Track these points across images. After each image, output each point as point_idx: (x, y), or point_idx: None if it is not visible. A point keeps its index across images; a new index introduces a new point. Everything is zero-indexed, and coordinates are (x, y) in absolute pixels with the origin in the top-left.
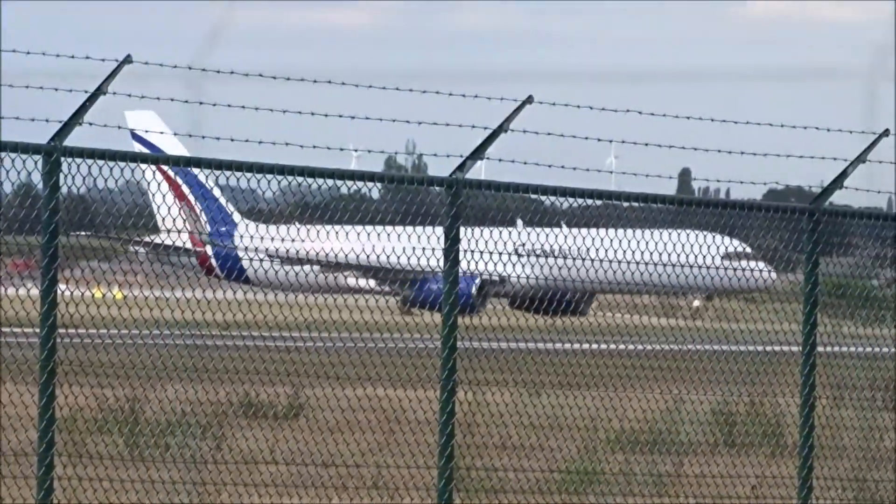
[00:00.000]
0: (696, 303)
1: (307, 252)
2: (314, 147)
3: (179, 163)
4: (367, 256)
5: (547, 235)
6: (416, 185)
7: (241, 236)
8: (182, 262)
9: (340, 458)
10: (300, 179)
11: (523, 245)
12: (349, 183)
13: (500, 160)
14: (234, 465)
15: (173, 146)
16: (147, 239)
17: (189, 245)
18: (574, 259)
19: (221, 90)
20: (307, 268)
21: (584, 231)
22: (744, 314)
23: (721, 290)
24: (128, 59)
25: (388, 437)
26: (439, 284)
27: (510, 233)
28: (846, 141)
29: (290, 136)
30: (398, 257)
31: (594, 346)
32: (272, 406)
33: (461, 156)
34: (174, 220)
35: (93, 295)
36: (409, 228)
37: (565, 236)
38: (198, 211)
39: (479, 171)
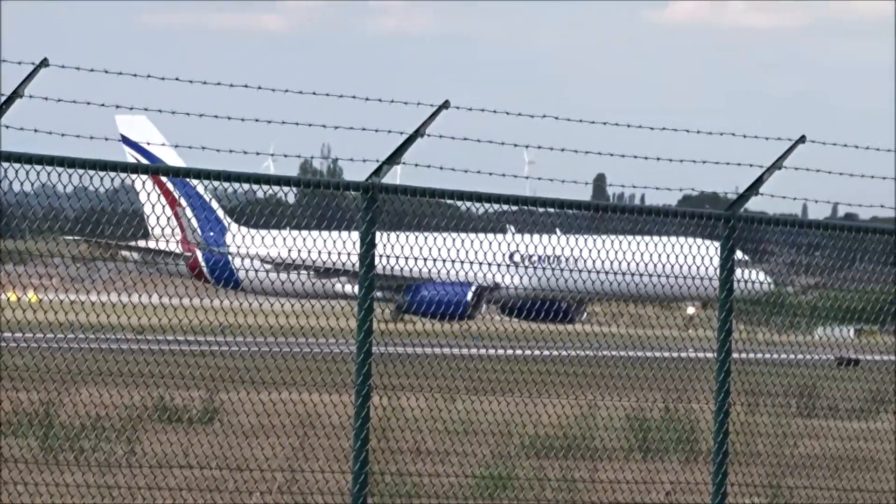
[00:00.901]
0: (690, 310)
1: (301, 258)
2: (230, 151)
3: (85, 166)
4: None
5: (541, 242)
6: (331, 190)
7: (234, 239)
8: (171, 267)
9: (255, 463)
10: (216, 183)
11: (517, 252)
12: (265, 187)
13: (416, 165)
14: (149, 469)
15: (164, 150)
16: (137, 244)
17: (179, 250)
18: (568, 267)
19: (138, 94)
20: (301, 274)
21: (579, 238)
22: (658, 320)
23: (716, 298)
24: (44, 63)
25: (302, 442)
26: (434, 291)
27: (505, 240)
28: (762, 147)
29: (207, 140)
30: (392, 265)
31: (508, 351)
32: (187, 410)
33: (377, 160)
34: (163, 227)
35: (7, 298)
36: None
37: (559, 244)
38: (188, 216)
39: (395, 175)
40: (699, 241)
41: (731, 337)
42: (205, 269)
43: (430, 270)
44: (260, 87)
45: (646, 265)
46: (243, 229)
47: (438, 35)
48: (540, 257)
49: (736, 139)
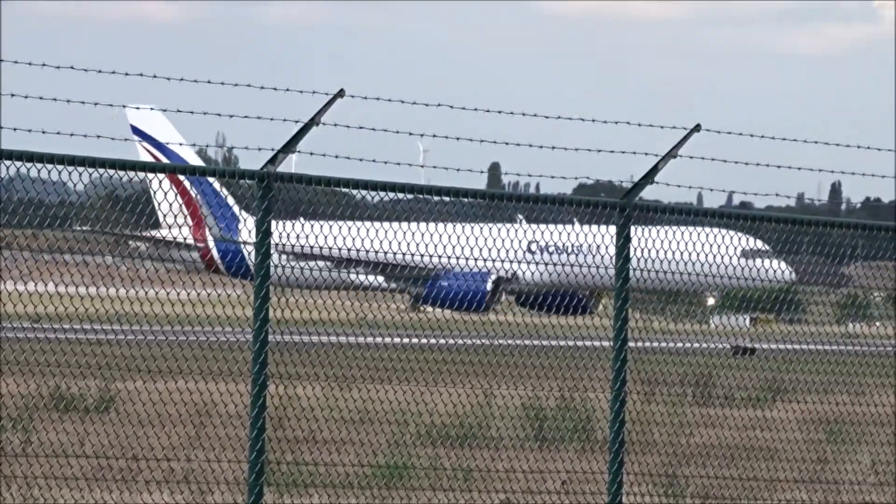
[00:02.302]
0: (711, 301)
1: (318, 248)
2: (125, 140)
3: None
4: (377, 253)
5: (560, 233)
6: (227, 178)
7: (247, 230)
8: (183, 257)
9: (151, 452)
10: (111, 172)
11: (536, 241)
12: (160, 176)
13: (311, 153)
14: (45, 459)
15: (172, 138)
16: (148, 234)
17: (191, 241)
18: (586, 256)
19: (32, 81)
20: (319, 264)
21: (596, 228)
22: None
23: (738, 288)
24: None
25: (198, 431)
26: (452, 282)
27: (524, 230)
28: (657, 136)
29: (102, 129)
30: (411, 254)
31: (404, 339)
32: (82, 399)
33: (273, 149)
34: (175, 216)
35: None
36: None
37: (577, 234)
38: (201, 207)
39: (290, 164)
40: (716, 230)
41: (627, 326)
42: (217, 260)
43: (448, 260)
44: (155, 76)
45: (665, 255)
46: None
47: (335, 24)
48: (558, 247)
49: (631, 128)
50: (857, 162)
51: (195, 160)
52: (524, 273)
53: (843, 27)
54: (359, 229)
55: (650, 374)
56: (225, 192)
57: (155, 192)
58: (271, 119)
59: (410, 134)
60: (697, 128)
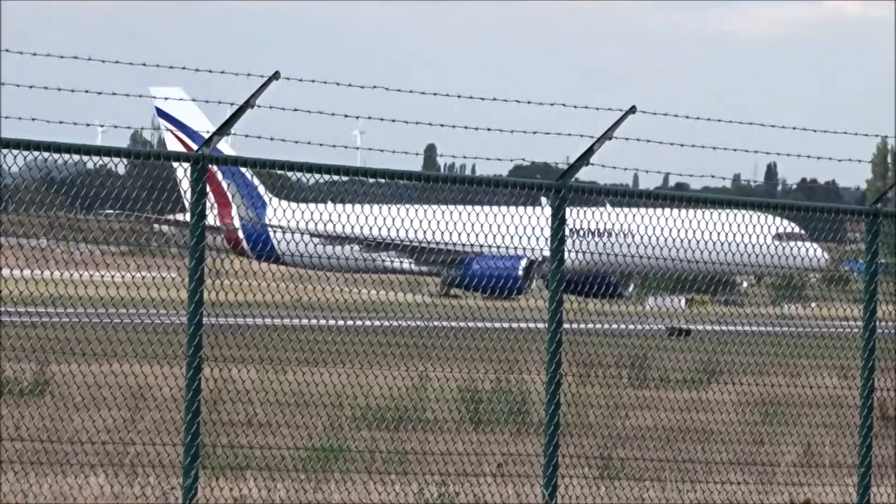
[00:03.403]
0: (745, 284)
1: (348, 231)
2: (60, 122)
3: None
4: (407, 235)
5: (592, 214)
6: (162, 161)
7: (275, 213)
8: (214, 242)
9: (87, 436)
10: (46, 154)
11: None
12: (95, 158)
13: (246, 136)
14: None
15: (198, 121)
16: (174, 218)
17: (217, 224)
18: (621, 238)
19: None
20: (346, 248)
21: (630, 210)
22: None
23: (772, 270)
24: None
25: (134, 415)
26: (484, 265)
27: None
28: (594, 118)
29: (36, 111)
30: (440, 236)
31: (340, 322)
32: (17, 382)
33: (207, 131)
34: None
35: None
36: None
37: (610, 218)
38: (228, 191)
39: (226, 146)
40: (750, 213)
41: (562, 307)
42: (244, 243)
43: (480, 244)
44: (90, 59)
45: (697, 240)
46: (283, 203)
47: (271, 6)
48: (590, 231)
49: (567, 109)
50: (792, 143)
51: (227, 149)
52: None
53: (780, 8)
54: (389, 210)
55: (585, 356)
56: (250, 175)
57: (181, 179)
58: (206, 101)
59: (346, 116)
60: (633, 109)
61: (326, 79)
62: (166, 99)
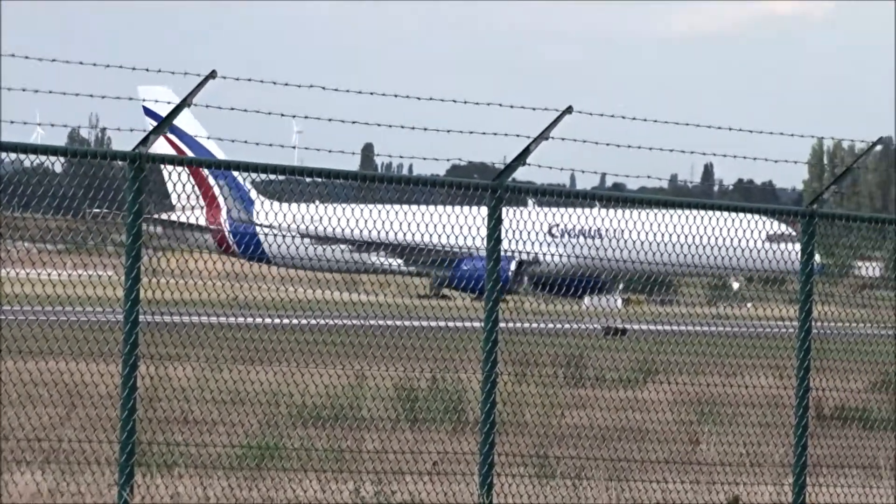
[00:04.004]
0: (735, 285)
1: (338, 231)
2: None
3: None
4: (397, 236)
5: (580, 216)
6: (98, 159)
7: (261, 212)
8: (202, 240)
9: (22, 432)
10: None
11: (557, 225)
12: (32, 157)
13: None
14: None
15: (186, 121)
16: (162, 217)
17: (204, 223)
18: (609, 240)
19: None
20: (333, 246)
21: (619, 212)
22: (425, 289)
23: (763, 272)
24: None
25: (69, 412)
26: (475, 264)
27: (544, 213)
28: (530, 118)
29: None
30: (431, 237)
31: (276, 320)
32: None
33: (144, 130)
34: (188, 197)
35: None
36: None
37: (600, 218)
38: (216, 190)
39: (215, 148)
40: (741, 215)
41: (499, 306)
42: (232, 243)
43: (471, 243)
44: (27, 57)
45: (686, 239)
46: (270, 202)
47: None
48: (580, 231)
49: (504, 109)
50: (729, 143)
51: (214, 148)
52: (546, 256)
53: (717, 7)
54: (379, 212)
55: (521, 354)
56: (241, 178)
57: (169, 174)
58: (143, 100)
59: (283, 115)
60: (569, 110)
61: (264, 78)
62: (156, 101)
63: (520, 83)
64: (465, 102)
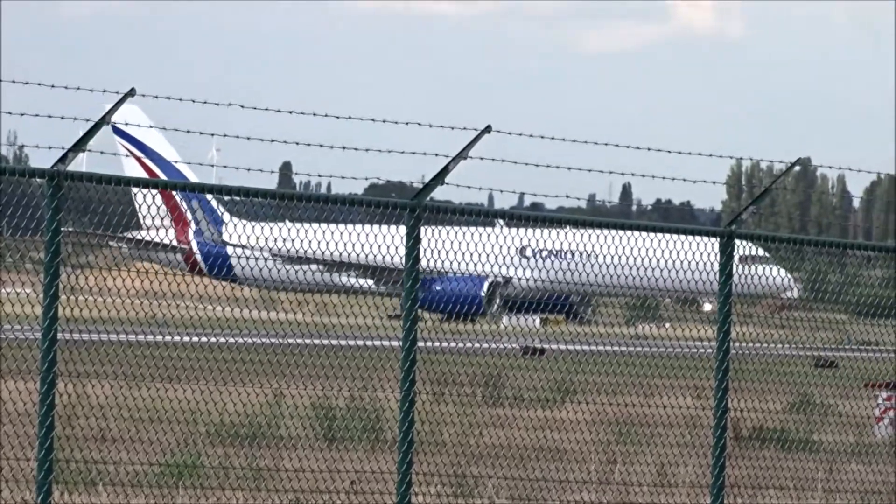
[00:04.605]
0: (707, 307)
1: (309, 251)
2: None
3: None
4: (367, 256)
5: (552, 236)
6: (17, 177)
7: (232, 231)
8: (167, 259)
9: None
10: None
11: (528, 246)
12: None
13: (102, 153)
14: None
15: (155, 140)
16: (130, 235)
17: (173, 242)
18: (580, 261)
19: None
20: (303, 266)
21: (592, 232)
22: (344, 308)
23: (735, 294)
24: None
25: None
26: (447, 286)
27: (517, 233)
28: (449, 137)
29: None
30: (400, 257)
31: (194, 338)
32: None
33: (63, 148)
34: (153, 218)
35: None
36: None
37: (571, 239)
38: (184, 209)
39: (81, 163)
40: (706, 239)
41: (418, 325)
42: (200, 261)
43: (442, 263)
44: None
45: (658, 261)
46: (240, 221)
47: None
48: (552, 252)
49: (423, 128)
50: (648, 163)
51: (186, 171)
52: (518, 278)
53: (636, 26)
54: (350, 234)
55: (440, 374)
56: (210, 196)
57: (135, 194)
58: (62, 118)
59: (201, 133)
60: (488, 129)
61: (182, 96)
62: (126, 124)
63: (439, 102)
64: (384, 121)
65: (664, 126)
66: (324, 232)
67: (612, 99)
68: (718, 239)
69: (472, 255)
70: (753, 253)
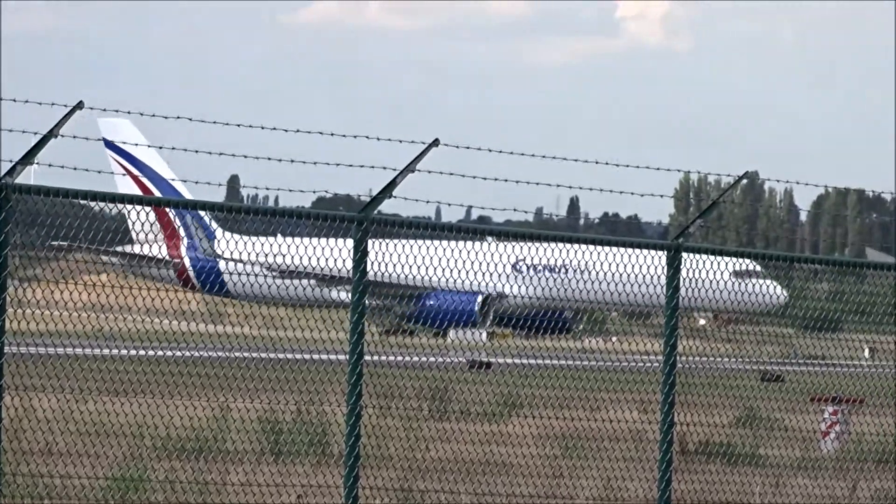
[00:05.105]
0: (702, 321)
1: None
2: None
3: None
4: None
5: (546, 251)
6: None
7: (225, 245)
8: (159, 274)
9: None
10: None
11: (522, 260)
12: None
13: (50, 165)
14: None
15: (147, 154)
16: (122, 250)
17: (165, 256)
18: (575, 277)
19: None
20: (295, 281)
21: (586, 247)
22: (290, 322)
23: (730, 309)
24: None
25: None
26: (441, 300)
27: (511, 247)
28: (397, 150)
29: None
30: (398, 272)
31: (141, 352)
32: None
33: (10, 160)
34: (146, 233)
35: None
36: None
37: (566, 253)
38: (177, 224)
39: (29, 176)
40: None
41: (364, 339)
42: (192, 276)
43: (437, 279)
44: None
45: (653, 276)
46: (232, 236)
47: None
48: (545, 267)
49: (371, 142)
50: (595, 177)
51: (166, 170)
52: (511, 291)
53: (583, 40)
54: (341, 249)
55: (386, 387)
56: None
57: (129, 211)
58: (10, 130)
59: (149, 146)
60: (436, 142)
61: (131, 109)
62: (124, 144)
63: (387, 116)
64: (332, 134)
65: (612, 140)
66: (314, 247)
67: (560, 113)
68: (666, 252)
69: (465, 269)
70: (748, 268)
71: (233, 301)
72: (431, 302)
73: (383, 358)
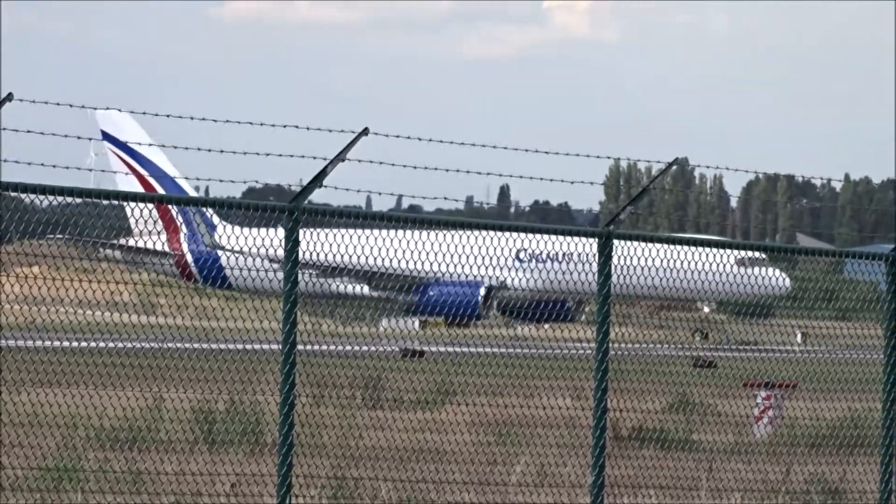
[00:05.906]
0: (706, 309)
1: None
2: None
3: None
4: (366, 261)
5: (548, 240)
6: None
7: (225, 236)
8: (159, 266)
9: None
10: None
11: (524, 250)
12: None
13: None
14: None
15: (156, 155)
16: (122, 242)
17: (165, 249)
18: (575, 263)
19: None
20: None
21: (585, 239)
22: (224, 312)
23: (734, 296)
24: None
25: None
26: (444, 291)
27: (512, 238)
28: (327, 140)
29: None
30: (398, 262)
31: (73, 343)
32: None
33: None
34: (146, 225)
35: None
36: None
37: (567, 242)
38: (175, 216)
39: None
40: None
41: (297, 329)
42: (193, 268)
43: (439, 268)
44: None
45: (659, 264)
46: (233, 228)
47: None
48: (548, 256)
49: (300, 131)
50: (525, 165)
51: (167, 164)
52: (514, 281)
53: (513, 30)
54: (343, 238)
55: (320, 377)
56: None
57: (127, 204)
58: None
59: (79, 138)
60: (366, 131)
61: (60, 100)
62: (121, 141)
63: (314, 106)
64: (262, 124)
65: (542, 129)
66: (317, 238)
67: (489, 103)
68: (597, 239)
69: (468, 258)
70: (752, 256)
71: (173, 292)
72: (433, 292)
73: (316, 347)
